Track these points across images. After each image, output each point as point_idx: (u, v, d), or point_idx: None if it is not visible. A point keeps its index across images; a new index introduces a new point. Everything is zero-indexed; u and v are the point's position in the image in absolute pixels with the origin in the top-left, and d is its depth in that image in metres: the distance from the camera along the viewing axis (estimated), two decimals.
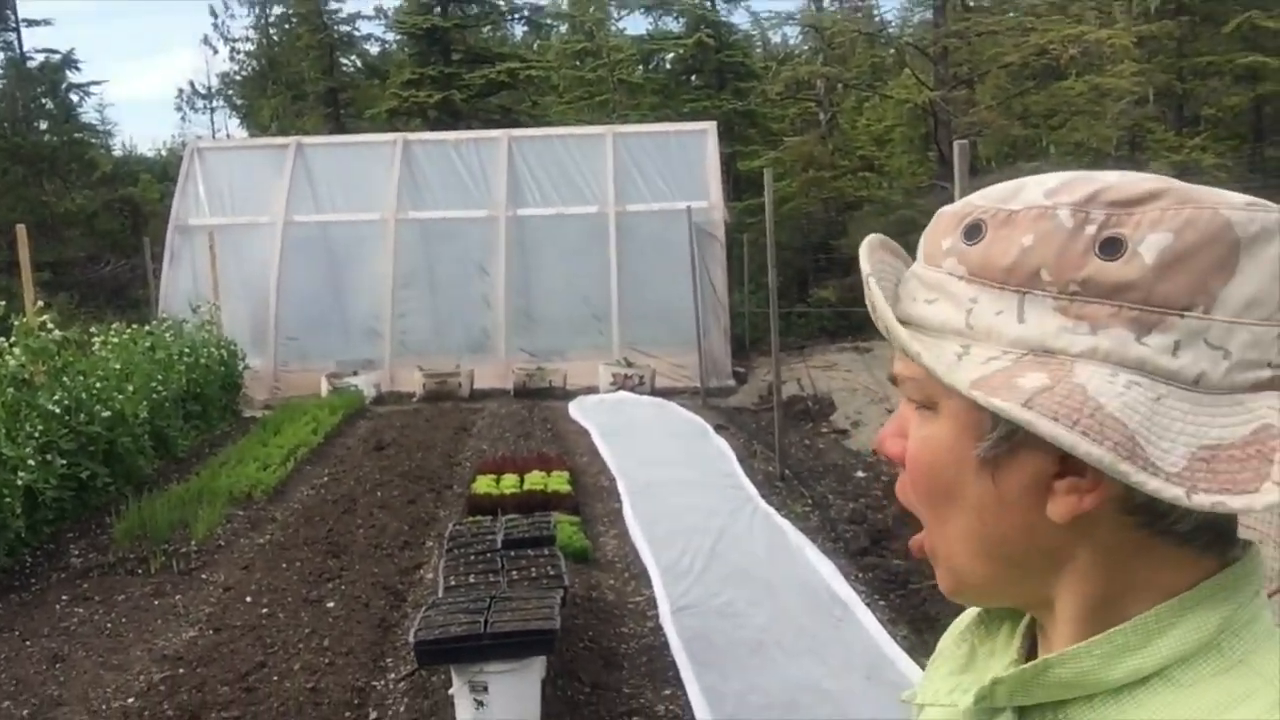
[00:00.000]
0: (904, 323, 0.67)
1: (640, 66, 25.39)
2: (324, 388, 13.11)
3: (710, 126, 15.74)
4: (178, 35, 76.32)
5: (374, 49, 29.76)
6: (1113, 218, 0.62)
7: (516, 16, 27.72)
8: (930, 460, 0.68)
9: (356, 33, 28.60)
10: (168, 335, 10.78)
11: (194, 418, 10.45)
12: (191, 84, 38.37)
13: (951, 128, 17.26)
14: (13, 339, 7.24)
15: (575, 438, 10.15)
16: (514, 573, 4.67)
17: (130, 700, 4.50)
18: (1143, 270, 0.60)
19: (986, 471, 0.65)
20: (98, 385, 7.91)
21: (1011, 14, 20.42)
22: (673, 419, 10.92)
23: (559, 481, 7.48)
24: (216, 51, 46.21)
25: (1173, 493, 0.57)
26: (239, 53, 33.77)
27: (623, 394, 12.70)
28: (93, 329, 9.61)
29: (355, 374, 13.49)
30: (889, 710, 3.84)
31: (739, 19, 42.89)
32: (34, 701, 4.57)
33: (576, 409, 11.60)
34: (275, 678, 4.61)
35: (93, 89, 27.13)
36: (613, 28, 27.05)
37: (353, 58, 29.02)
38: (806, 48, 28.45)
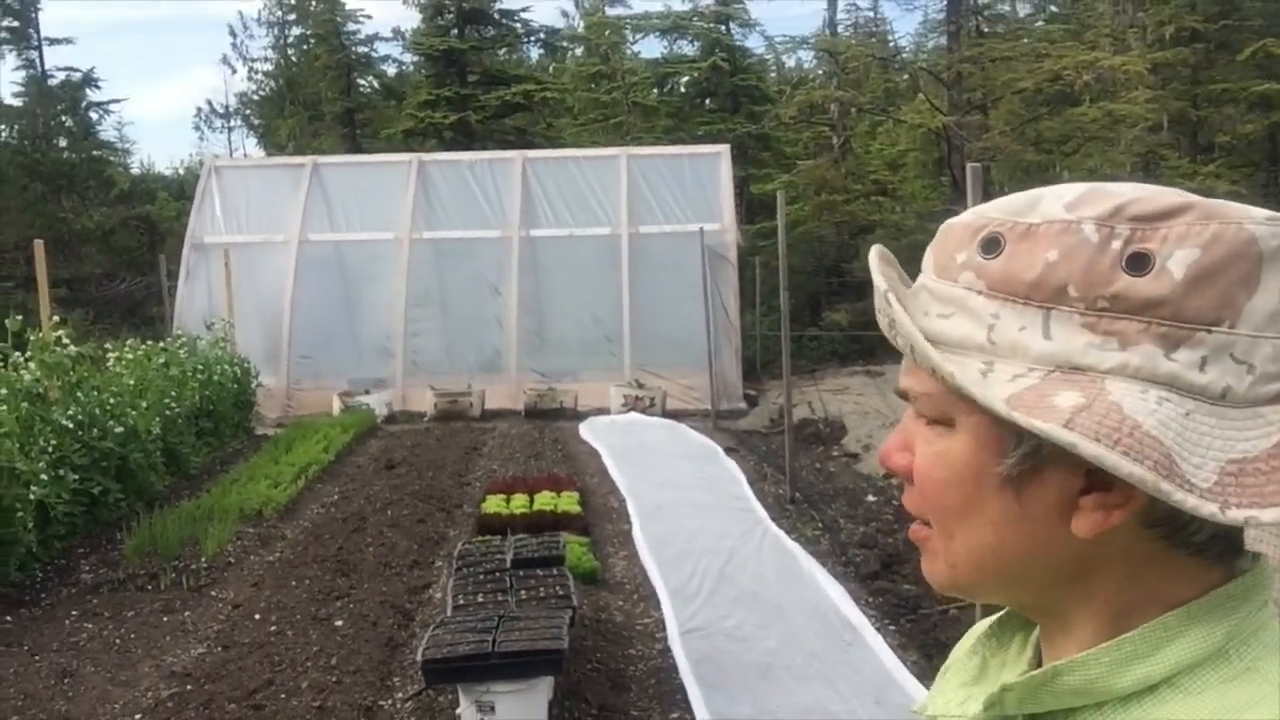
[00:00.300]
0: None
1: (655, 89, 25.55)
2: (336, 406, 13.14)
3: (724, 149, 15.79)
4: (196, 55, 77.07)
5: (391, 70, 30.06)
6: (1138, 232, 0.61)
7: (532, 39, 27.93)
8: (945, 476, 0.68)
9: (374, 54, 28.87)
10: (182, 352, 10.84)
11: (206, 435, 10.49)
12: (210, 103, 38.69)
13: (965, 152, 17.29)
14: (28, 354, 7.29)
15: (585, 459, 10.15)
16: (522, 592, 4.66)
17: (138, 717, 4.50)
18: (1172, 286, 0.60)
19: (1008, 488, 0.65)
20: (111, 401, 7.95)
21: (1026, 40, 20.52)
22: (683, 441, 10.91)
23: (569, 502, 7.47)
24: (235, 71, 46.54)
25: (1209, 509, 0.57)
26: (257, 73, 34.15)
27: (634, 415, 12.70)
28: (107, 345, 9.67)
29: (367, 393, 13.53)
30: None
31: (753, 43, 43.09)
32: (42, 717, 4.57)
33: (587, 430, 11.60)
34: (283, 696, 4.60)
35: (112, 107, 27.37)
36: (628, 51, 27.20)
37: (370, 78, 29.26)
38: (820, 72, 28.56)
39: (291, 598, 5.92)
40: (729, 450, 10.19)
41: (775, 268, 9.87)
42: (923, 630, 5.25)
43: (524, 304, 14.53)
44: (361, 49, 28.13)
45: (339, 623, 5.50)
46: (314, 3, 30.06)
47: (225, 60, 45.91)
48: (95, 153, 25.39)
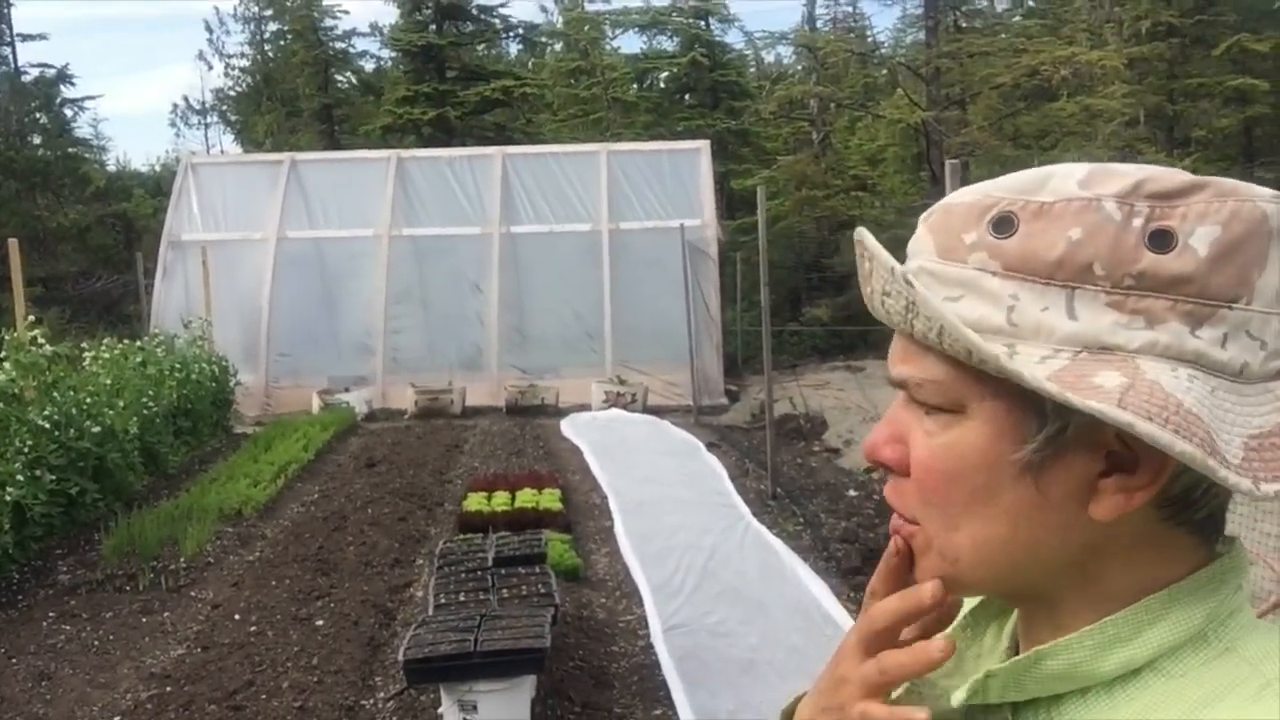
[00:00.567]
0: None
1: (634, 85, 25.52)
2: (315, 404, 13.08)
3: (704, 145, 15.79)
4: (172, 51, 76.42)
5: (369, 66, 29.90)
6: (1157, 210, 0.61)
7: (511, 34, 27.85)
8: (955, 466, 0.65)
9: (351, 50, 28.72)
10: (159, 351, 10.76)
11: (185, 434, 10.41)
12: (186, 99, 38.51)
13: (943, 148, 17.36)
14: (3, 354, 7.22)
15: (567, 455, 10.13)
16: (504, 591, 4.65)
17: (117, 719, 4.47)
18: (1197, 263, 0.60)
19: (1027, 476, 0.63)
20: (88, 401, 7.88)
21: (1003, 35, 20.61)
22: (665, 437, 10.91)
23: (550, 499, 7.46)
24: (211, 67, 46.49)
25: (1246, 484, 0.58)
26: (234, 69, 33.88)
27: (615, 412, 12.69)
28: (84, 344, 9.59)
29: (347, 390, 13.47)
30: None
31: (733, 39, 43.02)
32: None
33: (569, 426, 11.58)
34: (263, 696, 4.57)
35: (87, 104, 27.15)
36: (607, 46, 27.17)
37: (348, 74, 29.11)
38: (800, 68, 28.62)
39: (272, 597, 5.88)
40: (710, 446, 10.20)
41: (756, 263, 9.88)
42: None
43: (505, 301, 14.50)
44: (339, 45, 27.98)
45: (320, 622, 5.47)
46: None
47: (201, 56, 45.66)
48: (70, 150, 25.13)
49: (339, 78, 28.57)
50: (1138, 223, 0.61)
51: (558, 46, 30.04)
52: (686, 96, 24.77)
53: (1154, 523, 0.64)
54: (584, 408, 12.99)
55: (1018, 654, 0.70)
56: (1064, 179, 0.63)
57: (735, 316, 17.92)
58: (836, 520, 7.43)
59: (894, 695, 0.74)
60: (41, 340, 7.64)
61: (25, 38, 25.38)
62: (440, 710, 3.95)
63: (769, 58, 32.27)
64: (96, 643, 5.38)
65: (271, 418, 12.64)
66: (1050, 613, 0.68)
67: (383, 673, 4.84)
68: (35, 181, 23.35)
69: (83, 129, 27.19)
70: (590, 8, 28.63)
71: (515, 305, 14.64)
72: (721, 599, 5.63)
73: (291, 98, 29.16)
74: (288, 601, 5.80)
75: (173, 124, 42.74)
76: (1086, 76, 17.08)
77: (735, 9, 36.53)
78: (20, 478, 6.46)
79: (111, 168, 30.10)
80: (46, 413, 7.15)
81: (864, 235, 0.69)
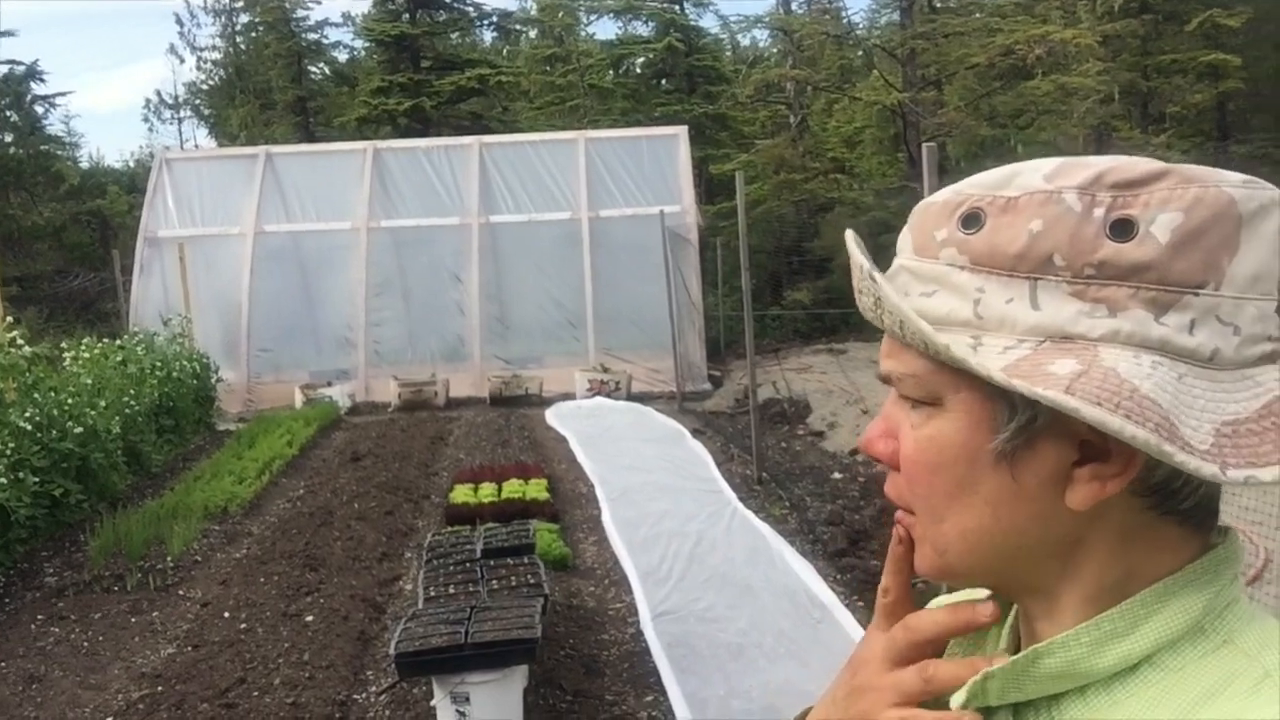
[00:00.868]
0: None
1: (610, 71, 25.44)
2: (298, 399, 13.04)
3: (681, 131, 15.78)
4: (143, 45, 75.66)
5: (342, 56, 29.70)
6: (1120, 199, 0.61)
7: (485, 22, 27.72)
8: (936, 458, 0.67)
9: (324, 40, 28.51)
10: (139, 349, 10.70)
11: (167, 432, 10.37)
12: (158, 94, 38.11)
13: (920, 128, 17.41)
14: None
15: (553, 445, 10.15)
16: (494, 582, 4.67)
17: (109, 719, 4.47)
18: (1158, 250, 0.60)
19: (1003, 464, 0.64)
20: (69, 401, 7.84)
21: (977, 15, 20.63)
22: (650, 424, 10.94)
23: (537, 489, 7.47)
24: (183, 61, 46.06)
25: (1210, 470, 0.57)
26: (206, 62, 33.60)
27: (599, 400, 12.71)
28: (63, 344, 9.53)
29: (329, 385, 13.43)
30: None
31: (708, 23, 43.03)
32: None
33: (553, 416, 11.59)
34: (255, 693, 4.58)
35: (58, 100, 26.83)
36: (582, 33, 27.07)
37: (321, 65, 28.90)
38: (776, 51, 28.61)
39: (260, 594, 5.88)
40: (695, 432, 10.23)
41: (736, 248, 9.90)
42: None
43: (485, 291, 14.48)
44: (311, 36, 27.78)
45: (309, 618, 5.48)
46: None
47: (173, 50, 45.08)
48: (43, 147, 24.87)
49: (312, 69, 28.37)
50: (1099, 212, 0.61)
51: (532, 34, 29.93)
52: (663, 82, 24.73)
53: (1138, 513, 0.64)
54: (568, 397, 13.00)
55: (1017, 652, 0.69)
56: (1031, 174, 0.64)
57: (717, 302, 17.94)
58: (822, 503, 7.47)
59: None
60: (21, 341, 7.59)
61: None
62: (432, 702, 3.96)
63: (745, 41, 32.29)
64: (86, 644, 5.37)
65: (254, 414, 12.59)
66: (1046, 606, 0.68)
67: (374, 667, 4.86)
68: (7, 180, 23.11)
69: (54, 126, 26.91)
70: None
71: (496, 295, 14.61)
72: (709, 584, 5.67)
73: (265, 90, 28.94)
74: (277, 598, 5.80)
75: (146, 119, 42.34)
76: (1061, 55, 17.15)
77: None
78: (3, 480, 6.43)
79: (85, 165, 29.87)
80: (28, 414, 7.11)
81: (847, 236, 0.71)
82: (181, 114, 36.51)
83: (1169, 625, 0.63)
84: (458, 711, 3.86)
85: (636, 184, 14.93)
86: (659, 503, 7.38)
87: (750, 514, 6.98)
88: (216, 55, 33.03)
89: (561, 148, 15.49)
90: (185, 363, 11.46)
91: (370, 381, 13.98)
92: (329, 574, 6.19)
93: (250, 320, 14.12)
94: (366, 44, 27.17)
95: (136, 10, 67.42)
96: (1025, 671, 0.65)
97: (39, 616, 5.79)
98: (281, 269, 14.56)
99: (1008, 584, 0.70)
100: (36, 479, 6.93)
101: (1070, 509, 0.63)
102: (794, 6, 25.80)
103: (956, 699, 0.68)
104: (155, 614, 5.76)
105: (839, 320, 19.16)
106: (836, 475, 8.38)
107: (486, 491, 7.42)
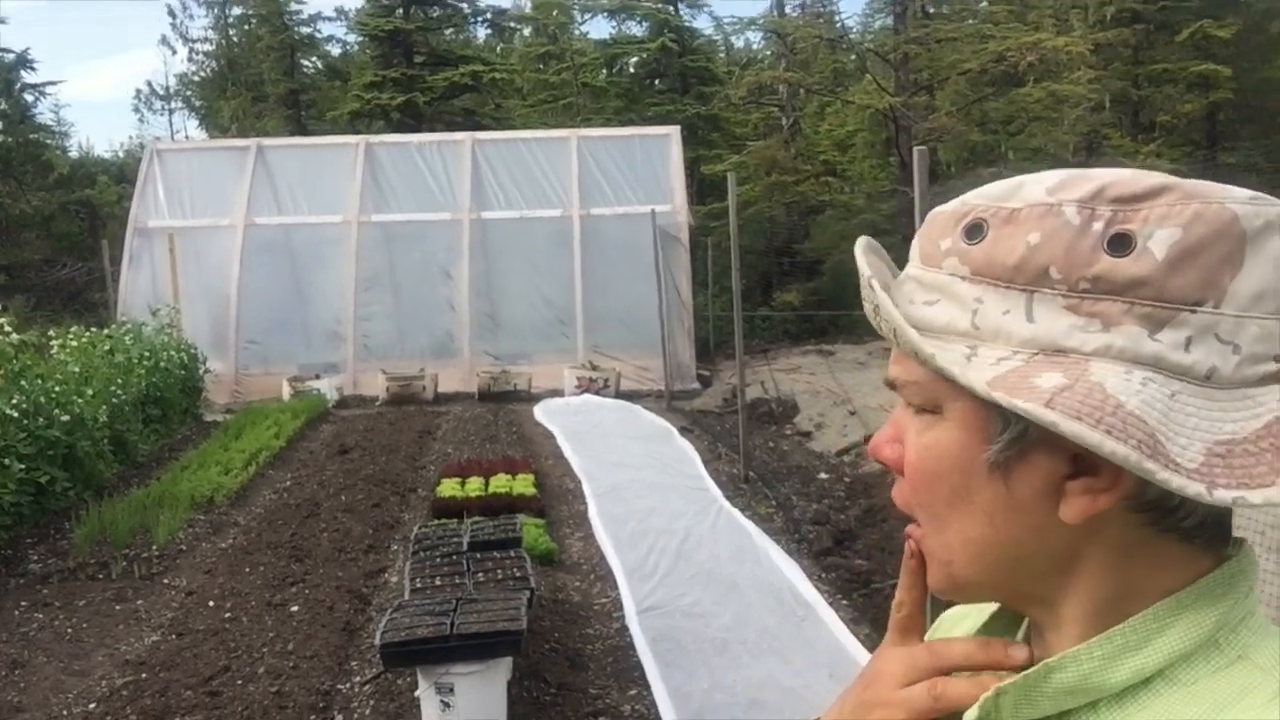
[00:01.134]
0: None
1: (604, 70, 25.48)
2: (286, 391, 13.02)
3: (674, 130, 15.81)
4: (135, 35, 75.40)
5: (335, 50, 29.64)
6: (1119, 214, 0.61)
7: (479, 19, 27.68)
8: (935, 466, 0.67)
9: (318, 34, 28.47)
10: (127, 338, 10.67)
11: (154, 422, 10.34)
12: (149, 84, 37.98)
13: (912, 133, 17.46)
14: None
15: (540, 441, 10.16)
16: (480, 575, 4.68)
17: (92, 706, 4.47)
18: (1154, 266, 0.59)
19: (997, 475, 0.64)
20: (56, 389, 7.82)
21: (970, 21, 20.73)
22: (638, 422, 10.96)
23: (524, 484, 7.48)
24: (175, 52, 46.00)
25: (1195, 489, 0.56)
26: (198, 53, 33.46)
27: (588, 397, 12.72)
28: (51, 332, 9.50)
29: (318, 377, 13.42)
30: None
31: (702, 24, 43.02)
32: None
33: (541, 412, 11.61)
34: (239, 682, 4.59)
35: (48, 89, 26.72)
36: (576, 31, 27.09)
37: (314, 59, 28.86)
38: (769, 53, 28.65)
39: (246, 584, 5.88)
40: (683, 430, 10.25)
41: (727, 248, 9.93)
42: (874, 604, 5.35)
43: (475, 287, 14.48)
44: (304, 29, 27.74)
45: (294, 608, 5.48)
46: None
47: (165, 41, 44.87)
48: (32, 136, 24.76)
49: (305, 63, 28.33)
50: (1098, 226, 0.61)
51: (526, 31, 29.90)
52: (656, 82, 24.77)
53: (1135, 529, 0.63)
54: (557, 393, 13.02)
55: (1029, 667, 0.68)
56: (1034, 185, 0.64)
57: (707, 301, 17.99)
58: (808, 503, 7.51)
59: None
60: (8, 329, 7.57)
61: None
62: (416, 693, 3.97)
63: (738, 43, 32.35)
64: (70, 631, 5.36)
65: (241, 405, 12.57)
66: (1054, 619, 0.67)
67: (358, 657, 4.86)
68: None
69: (44, 115, 26.82)
70: None
71: (486, 291, 14.62)
72: (695, 581, 5.69)
73: (257, 83, 28.86)
74: (262, 588, 5.80)
75: (136, 109, 42.29)
76: (1052, 62, 17.22)
77: None
78: None
79: (74, 154, 29.74)
80: (14, 401, 7.08)
81: (857, 244, 0.72)
82: (172, 105, 36.40)
83: (1182, 639, 0.62)
84: (442, 702, 3.87)
85: (628, 183, 14.95)
86: (646, 500, 7.40)
87: (737, 512, 7.01)
88: (209, 47, 32.92)
89: (554, 145, 15.50)
90: (173, 353, 11.43)
91: (359, 375, 13.97)
92: (315, 565, 6.19)
93: (239, 312, 14.10)
94: (360, 38, 27.13)
95: (128, 2, 67.20)
96: (1037, 687, 0.64)
97: (23, 603, 5.77)
98: (271, 261, 14.54)
99: (1013, 596, 0.70)
100: (22, 466, 6.91)
101: (1065, 522, 0.62)
102: (788, 9, 25.87)
103: (970, 716, 0.67)
104: (140, 602, 5.75)
105: (828, 322, 19.23)
106: (823, 475, 8.41)
107: (474, 486, 7.43)
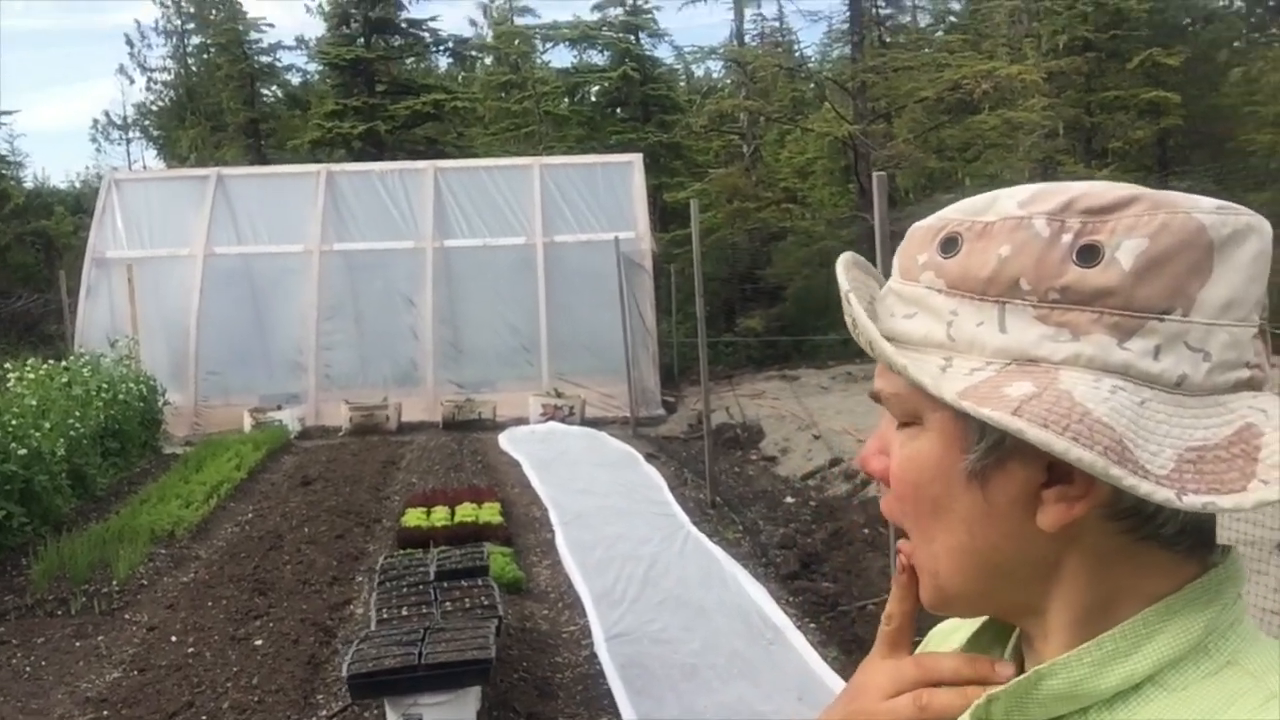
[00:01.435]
0: (886, 339, 0.67)
1: (566, 99, 25.58)
2: (247, 423, 12.88)
3: (636, 158, 15.89)
4: (92, 65, 74.71)
5: (295, 79, 29.55)
6: (1088, 225, 0.62)
7: (441, 48, 27.74)
8: (916, 476, 0.68)
9: (278, 63, 28.40)
10: (85, 370, 10.52)
11: (113, 455, 10.19)
12: (107, 114, 37.61)
13: (870, 160, 17.66)
14: None
15: (506, 469, 10.12)
16: (448, 604, 4.66)
17: None
18: (1121, 276, 0.60)
19: (975, 484, 0.65)
20: (13, 423, 7.69)
21: (926, 50, 21.07)
22: (603, 449, 10.95)
23: (490, 513, 7.45)
24: (133, 81, 45.31)
25: (1164, 495, 0.57)
26: (156, 83, 33.24)
27: (553, 425, 12.70)
28: (6, 365, 9.36)
29: (279, 408, 13.28)
30: None
31: (663, 53, 43.32)
32: None
33: (507, 440, 11.57)
34: (203, 718, 4.52)
35: (3, 119, 26.43)
36: (538, 60, 27.20)
37: (274, 88, 28.75)
38: (729, 82, 28.91)
39: (208, 619, 5.80)
40: (649, 457, 10.26)
41: (690, 275, 9.98)
42: (842, 627, 5.37)
43: (439, 315, 14.43)
44: (264, 58, 27.65)
45: (258, 642, 5.41)
46: (214, 11, 29.44)
47: (122, 70, 44.54)
48: None
49: (265, 91, 28.22)
50: (1067, 238, 0.62)
51: (488, 60, 29.98)
52: (618, 110, 24.90)
53: (1113, 536, 0.63)
54: (521, 421, 12.98)
55: (1020, 674, 0.68)
56: (1008, 199, 0.65)
57: (671, 328, 18.04)
58: (775, 527, 7.53)
59: None
60: None
61: None
62: None
63: (699, 72, 32.58)
64: (28, 669, 5.26)
65: (201, 437, 12.43)
66: (1042, 627, 0.68)
67: (324, 690, 4.81)
68: None
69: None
70: (520, 21, 28.67)
71: (450, 319, 14.57)
72: (663, 607, 5.69)
73: (216, 112, 28.69)
74: (225, 622, 5.73)
75: (94, 139, 41.74)
76: (1007, 90, 17.52)
77: (665, 24, 36.82)
78: None
79: (30, 185, 29.33)
80: None
81: (838, 261, 0.73)
82: (130, 135, 36.13)
83: (1171, 645, 0.62)
84: None
85: (591, 210, 15.00)
86: (613, 526, 7.39)
87: (704, 537, 7.02)
88: (167, 76, 32.74)
89: (517, 173, 15.53)
90: (132, 385, 11.29)
91: (321, 405, 13.85)
92: (278, 598, 6.12)
93: (199, 343, 13.95)
94: (320, 67, 27.09)
95: (86, 30, 66.73)
96: (1029, 693, 0.65)
97: None
98: (231, 291, 14.40)
99: (1001, 607, 0.71)
100: None
101: (1043, 530, 0.63)
102: (748, 39, 26.17)
103: None
104: (100, 638, 5.66)
105: (791, 347, 19.35)
106: (789, 499, 8.44)
107: (439, 515, 7.38)
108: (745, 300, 21.94)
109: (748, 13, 26.33)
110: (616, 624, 5.43)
